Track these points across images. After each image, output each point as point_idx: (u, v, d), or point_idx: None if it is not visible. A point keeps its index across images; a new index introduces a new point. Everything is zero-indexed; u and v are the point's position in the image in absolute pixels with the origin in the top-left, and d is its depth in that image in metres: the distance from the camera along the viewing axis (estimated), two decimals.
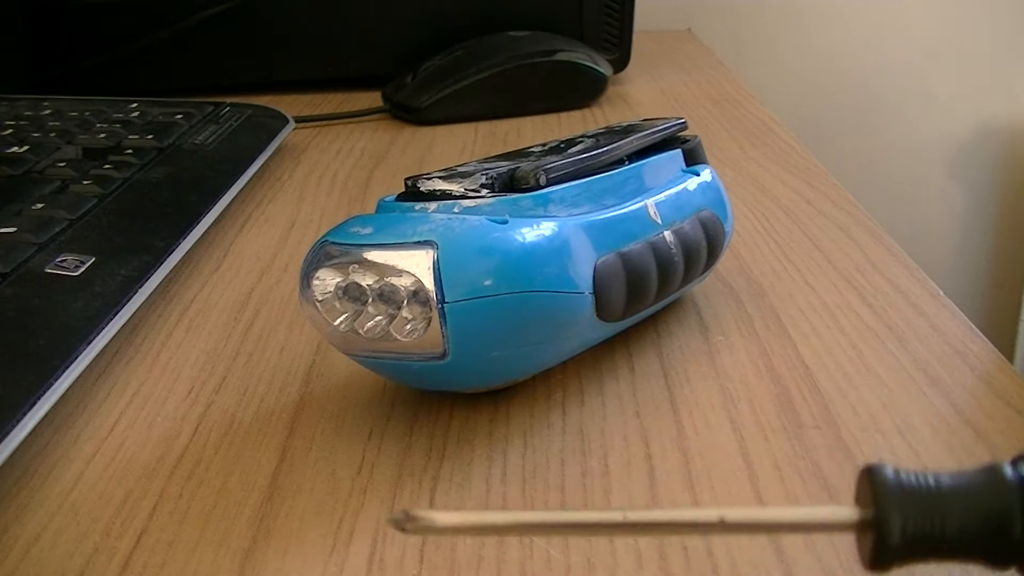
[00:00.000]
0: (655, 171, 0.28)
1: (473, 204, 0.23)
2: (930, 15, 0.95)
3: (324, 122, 0.55)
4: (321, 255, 0.23)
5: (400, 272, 0.22)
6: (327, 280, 0.23)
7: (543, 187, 0.24)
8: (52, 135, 0.42)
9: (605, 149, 0.26)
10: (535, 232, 0.23)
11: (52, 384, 0.24)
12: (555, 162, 0.25)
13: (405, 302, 0.22)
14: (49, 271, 0.29)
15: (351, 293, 0.22)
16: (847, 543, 0.20)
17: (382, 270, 0.22)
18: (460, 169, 0.25)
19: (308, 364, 0.28)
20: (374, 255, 0.22)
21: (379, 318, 0.22)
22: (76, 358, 0.25)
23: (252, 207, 0.41)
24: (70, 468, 0.24)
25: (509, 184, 0.24)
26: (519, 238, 0.22)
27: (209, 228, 0.36)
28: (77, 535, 0.21)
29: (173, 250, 0.32)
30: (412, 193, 0.25)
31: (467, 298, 0.21)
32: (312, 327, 0.23)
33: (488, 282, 0.22)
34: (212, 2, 0.59)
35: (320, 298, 0.23)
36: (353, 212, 0.40)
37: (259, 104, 0.50)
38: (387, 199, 0.25)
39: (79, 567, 0.20)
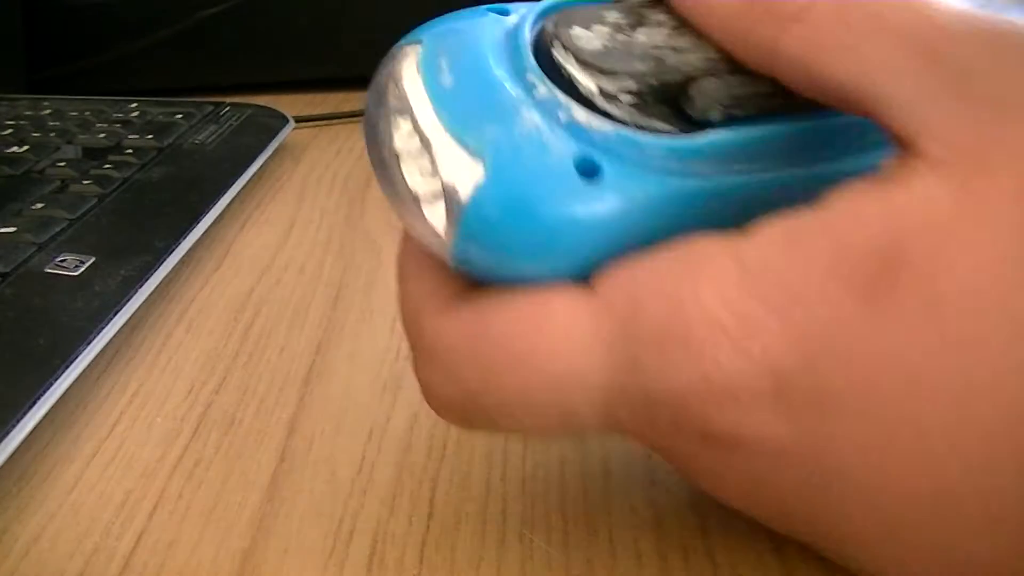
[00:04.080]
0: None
1: (595, 120, 0.16)
2: None
3: (324, 122, 0.54)
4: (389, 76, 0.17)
5: (440, 171, 0.16)
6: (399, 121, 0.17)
7: (713, 125, 0.16)
8: (52, 135, 0.42)
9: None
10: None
11: (52, 384, 0.24)
12: (740, 86, 0.16)
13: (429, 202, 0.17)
14: (49, 271, 0.29)
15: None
16: None
17: (429, 149, 0.16)
18: (617, 39, 0.17)
19: (308, 364, 0.28)
20: (431, 130, 0.16)
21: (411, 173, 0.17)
22: (76, 358, 0.25)
23: (252, 207, 0.41)
24: (70, 468, 0.24)
25: (667, 98, 0.16)
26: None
27: (209, 228, 0.35)
28: (77, 535, 0.21)
29: (173, 250, 0.32)
30: (545, 52, 0.17)
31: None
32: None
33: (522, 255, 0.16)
34: (212, 2, 0.59)
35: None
36: (353, 212, 0.40)
37: (259, 104, 0.50)
38: (520, 26, 0.17)
39: (79, 567, 0.20)
